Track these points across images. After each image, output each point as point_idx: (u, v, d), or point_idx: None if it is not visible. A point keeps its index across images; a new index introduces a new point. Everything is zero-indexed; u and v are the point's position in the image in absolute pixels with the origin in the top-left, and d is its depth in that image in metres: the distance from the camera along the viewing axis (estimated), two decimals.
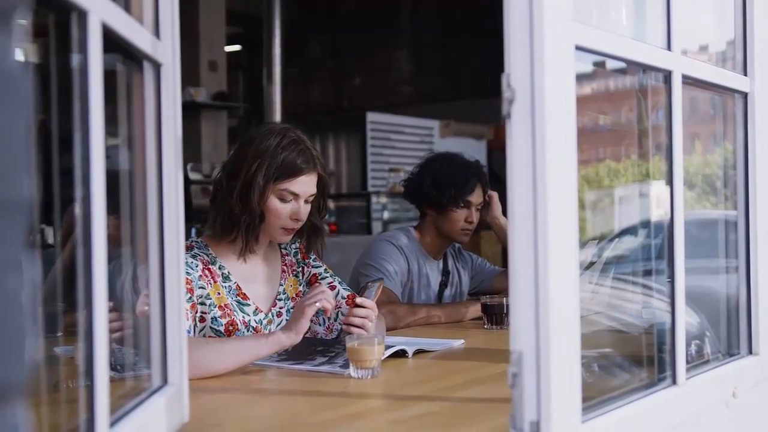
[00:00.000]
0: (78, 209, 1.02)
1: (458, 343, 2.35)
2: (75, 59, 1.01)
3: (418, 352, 2.18)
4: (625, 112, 2.11)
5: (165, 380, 1.36)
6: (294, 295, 2.38)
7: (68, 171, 1.03)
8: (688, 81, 1.58)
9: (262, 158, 2.17)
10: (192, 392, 1.45)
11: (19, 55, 0.61)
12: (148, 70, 1.34)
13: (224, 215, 2.21)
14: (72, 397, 1.30)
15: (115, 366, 1.34)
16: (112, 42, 1.11)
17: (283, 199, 2.21)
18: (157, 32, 1.35)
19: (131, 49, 1.22)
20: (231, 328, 2.18)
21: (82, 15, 0.99)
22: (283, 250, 2.42)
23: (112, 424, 1.08)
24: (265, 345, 1.99)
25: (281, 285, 2.36)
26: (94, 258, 1.00)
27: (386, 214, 7.51)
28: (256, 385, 1.84)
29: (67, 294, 1.18)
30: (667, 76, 1.53)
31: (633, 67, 1.61)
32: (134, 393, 1.30)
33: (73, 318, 1.10)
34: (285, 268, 2.40)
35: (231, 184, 2.20)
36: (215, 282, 2.20)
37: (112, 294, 1.08)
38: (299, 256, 2.44)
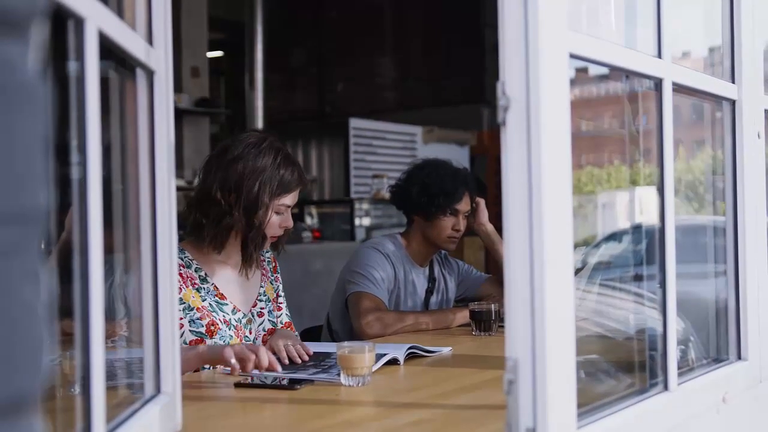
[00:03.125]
0: (74, 217, 1.01)
1: (447, 351, 2.35)
2: (71, 66, 1.01)
3: (410, 356, 2.18)
4: (607, 118, 2.13)
5: (158, 389, 1.36)
6: (271, 299, 2.46)
7: (57, 177, 1.02)
8: (678, 88, 1.59)
9: (262, 177, 2.24)
10: (184, 401, 1.44)
11: (36, 64, 0.61)
12: (141, 77, 1.33)
13: (225, 231, 2.26)
14: (63, 405, 1.30)
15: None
16: (106, 49, 1.11)
17: (278, 213, 2.30)
18: (150, 39, 1.34)
19: (126, 56, 1.22)
20: (212, 328, 2.24)
21: (79, 22, 0.99)
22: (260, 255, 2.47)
23: None
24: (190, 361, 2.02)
25: (261, 287, 2.43)
26: (90, 266, 1.00)
27: (369, 221, 7.50)
28: (248, 394, 1.83)
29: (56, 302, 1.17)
30: (658, 83, 1.54)
31: (617, 73, 1.62)
32: (127, 402, 1.29)
33: (62, 326, 1.09)
34: (264, 271, 2.47)
35: (228, 199, 2.23)
36: (188, 287, 2.24)
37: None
38: (271, 267, 2.52)
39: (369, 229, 7.37)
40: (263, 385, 1.87)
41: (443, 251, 3.20)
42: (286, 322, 2.46)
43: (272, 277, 2.50)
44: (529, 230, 1.17)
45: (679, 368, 1.57)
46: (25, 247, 0.58)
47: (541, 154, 1.16)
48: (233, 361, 1.92)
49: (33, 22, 0.61)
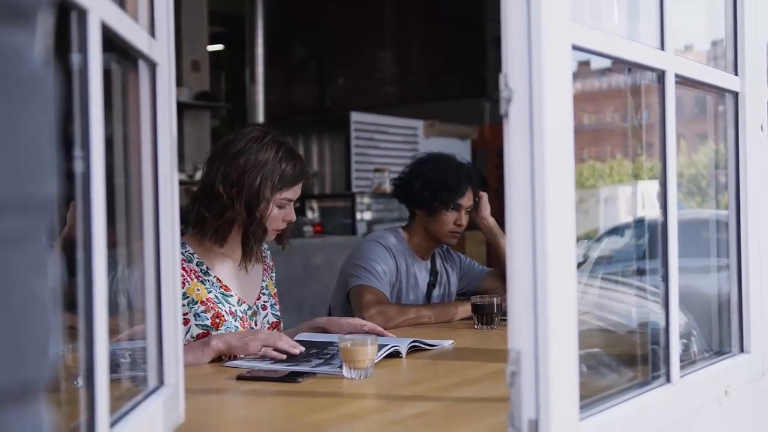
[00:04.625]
0: (78, 209, 1.01)
1: (449, 344, 2.35)
2: (74, 58, 1.00)
3: (412, 350, 2.19)
4: (609, 112, 2.12)
5: (161, 381, 1.36)
6: (273, 294, 2.48)
7: (65, 171, 1.02)
8: (681, 80, 1.59)
9: (264, 171, 2.25)
10: (187, 393, 1.44)
11: (43, 53, 0.61)
12: (143, 69, 1.33)
13: (226, 224, 2.27)
14: (67, 398, 1.30)
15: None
16: (108, 41, 1.11)
17: (280, 207, 2.31)
18: (152, 31, 1.34)
19: (128, 48, 1.21)
20: (217, 320, 2.25)
21: (82, 14, 0.98)
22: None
23: (112, 424, 1.07)
24: (203, 356, 2.06)
25: (263, 281, 2.45)
26: (94, 259, 1.00)
27: (371, 215, 7.49)
28: (250, 387, 1.83)
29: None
30: (661, 75, 1.54)
31: (619, 66, 1.62)
32: (129, 394, 1.30)
33: (64, 319, 1.09)
34: (266, 267, 2.49)
35: (230, 193, 2.23)
36: (192, 280, 2.25)
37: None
38: (271, 264, 2.54)
39: (370, 224, 7.38)
40: (266, 378, 1.88)
41: (445, 245, 3.19)
42: (273, 322, 2.46)
43: (272, 274, 2.53)
44: (532, 221, 1.17)
45: (681, 361, 1.57)
46: (33, 236, 0.58)
47: (544, 146, 1.16)
48: (262, 351, 2.06)
49: (39, 11, 0.61)
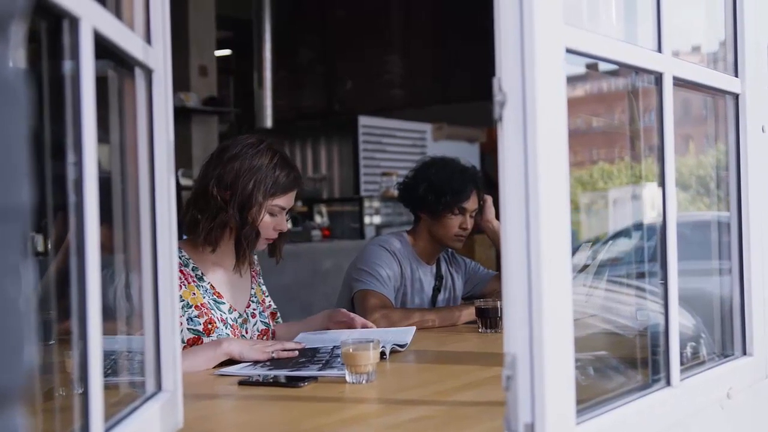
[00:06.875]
0: (71, 216, 1.01)
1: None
2: (67, 65, 1.01)
3: (393, 351, 2.23)
4: (617, 114, 2.12)
5: (159, 387, 1.36)
6: (260, 301, 2.50)
7: (59, 178, 1.03)
8: (679, 83, 1.59)
9: (257, 175, 2.27)
10: (186, 399, 1.44)
11: (16, 62, 0.62)
12: (139, 76, 1.34)
13: (219, 227, 2.29)
14: (63, 404, 1.30)
15: (107, 372, 1.34)
16: (103, 48, 1.11)
17: (272, 214, 2.32)
18: (148, 38, 1.35)
19: (123, 55, 1.22)
20: (210, 326, 2.26)
21: (74, 21, 0.99)
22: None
23: (107, 430, 1.07)
24: (214, 358, 2.09)
25: (252, 288, 2.48)
26: (87, 265, 1.00)
27: (379, 219, 7.49)
28: (251, 392, 1.83)
29: (60, 302, 1.18)
30: (659, 77, 1.53)
31: (624, 69, 1.61)
32: (128, 399, 1.30)
33: (67, 325, 1.10)
34: (254, 274, 2.51)
35: (223, 195, 2.26)
36: (189, 283, 2.27)
37: (105, 301, 1.08)
38: (258, 268, 2.56)
39: (379, 227, 7.38)
40: (267, 383, 1.88)
41: (450, 249, 3.19)
42: (262, 330, 2.47)
43: (259, 279, 2.55)
44: (526, 225, 1.17)
45: (687, 364, 1.56)
46: (8, 242, 0.59)
47: (538, 150, 1.16)
48: (275, 354, 2.14)
49: (13, 21, 0.61)
